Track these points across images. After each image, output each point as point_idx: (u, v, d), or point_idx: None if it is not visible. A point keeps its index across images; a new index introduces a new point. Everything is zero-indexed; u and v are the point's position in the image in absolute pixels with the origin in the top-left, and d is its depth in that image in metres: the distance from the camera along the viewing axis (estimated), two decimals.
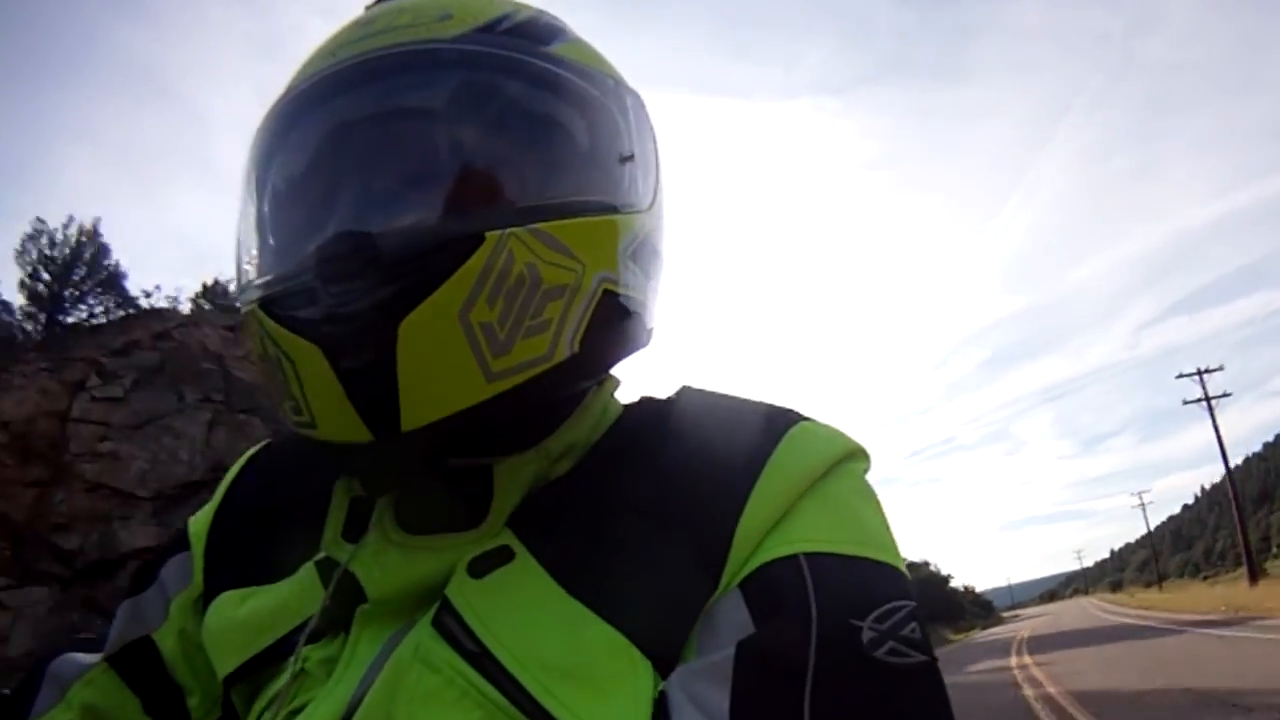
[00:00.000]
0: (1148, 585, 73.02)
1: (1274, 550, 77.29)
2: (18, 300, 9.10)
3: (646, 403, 0.57)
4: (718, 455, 0.48)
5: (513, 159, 0.48)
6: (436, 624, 0.44)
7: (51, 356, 7.92)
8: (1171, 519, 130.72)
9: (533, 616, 0.44)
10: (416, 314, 0.42)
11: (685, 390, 0.56)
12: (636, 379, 0.61)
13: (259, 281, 0.48)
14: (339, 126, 0.48)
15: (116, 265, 9.76)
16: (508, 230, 0.44)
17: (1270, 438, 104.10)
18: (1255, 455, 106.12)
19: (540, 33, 0.52)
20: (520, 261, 0.44)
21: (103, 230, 9.70)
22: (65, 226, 9.61)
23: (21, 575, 6.44)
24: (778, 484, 0.46)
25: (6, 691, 0.62)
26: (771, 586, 0.43)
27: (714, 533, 0.45)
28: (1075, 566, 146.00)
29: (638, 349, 0.54)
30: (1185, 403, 29.95)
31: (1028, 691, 9.98)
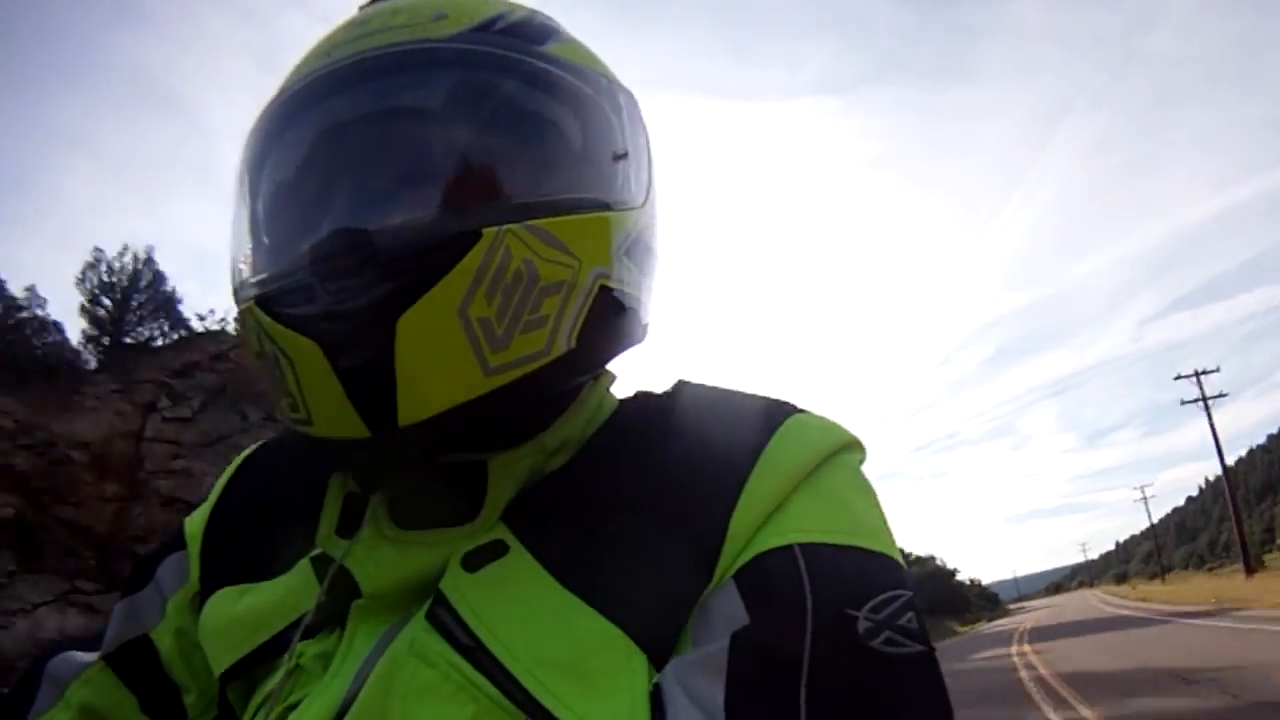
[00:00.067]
0: (1152, 577, 73.18)
1: (1278, 541, 77.54)
2: (79, 324, 9.87)
3: (642, 397, 0.57)
4: (712, 448, 0.48)
5: (508, 157, 0.48)
6: (431, 618, 0.45)
7: (119, 379, 8.61)
8: (1176, 511, 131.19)
9: (527, 610, 0.44)
10: (415, 310, 0.43)
11: (681, 384, 0.56)
12: (641, 375, 0.59)
13: (255, 279, 0.48)
14: (334, 126, 0.48)
15: (173, 291, 10.46)
16: (504, 227, 0.44)
17: (1274, 430, 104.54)
18: (1259, 448, 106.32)
19: (535, 32, 0.52)
20: (517, 258, 0.45)
21: (155, 257, 10.48)
22: (120, 254, 10.41)
23: (107, 582, 7.07)
24: (772, 476, 0.46)
25: (5, 691, 0.63)
26: (766, 577, 0.43)
27: (708, 525, 0.45)
28: (1080, 559, 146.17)
29: (634, 344, 0.54)
30: (1183, 403, 31.06)
31: (1023, 674, 11.72)
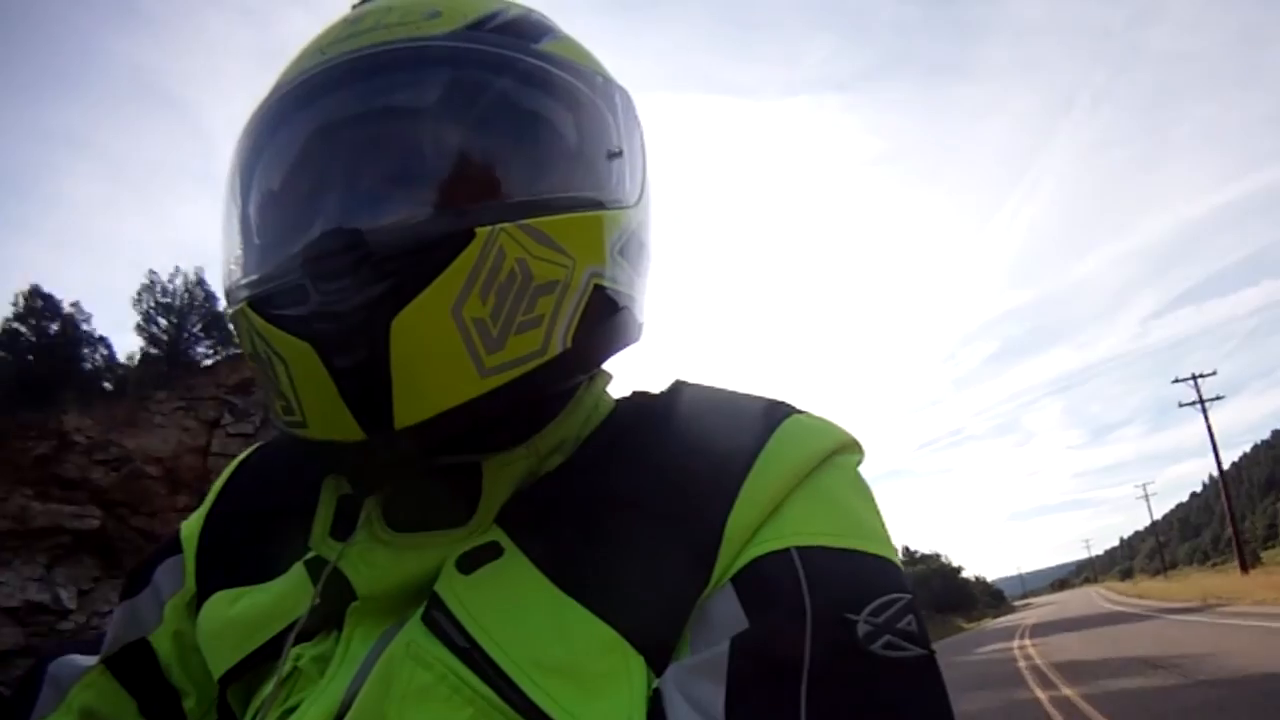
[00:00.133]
0: (1155, 573, 73.70)
1: None
2: (135, 342, 10.64)
3: (638, 398, 0.57)
4: (709, 449, 0.48)
5: (502, 155, 0.48)
6: (426, 620, 0.45)
7: (182, 396, 9.36)
8: (1180, 506, 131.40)
9: (523, 612, 0.44)
10: (409, 311, 0.42)
11: (678, 385, 0.56)
12: (641, 375, 0.58)
13: (247, 280, 0.48)
14: (328, 124, 0.48)
15: (224, 310, 11.26)
16: (498, 226, 0.44)
17: (1279, 425, 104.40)
18: (1264, 443, 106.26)
19: (529, 30, 0.52)
20: (511, 257, 0.44)
21: (206, 277, 11.22)
22: (172, 277, 11.24)
23: None
24: (769, 477, 0.46)
25: (6, 692, 0.64)
26: (764, 581, 0.43)
27: (705, 527, 0.44)
28: (1085, 555, 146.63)
29: (629, 343, 0.53)
30: (1181, 405, 32.10)
31: (1020, 664, 13.84)
